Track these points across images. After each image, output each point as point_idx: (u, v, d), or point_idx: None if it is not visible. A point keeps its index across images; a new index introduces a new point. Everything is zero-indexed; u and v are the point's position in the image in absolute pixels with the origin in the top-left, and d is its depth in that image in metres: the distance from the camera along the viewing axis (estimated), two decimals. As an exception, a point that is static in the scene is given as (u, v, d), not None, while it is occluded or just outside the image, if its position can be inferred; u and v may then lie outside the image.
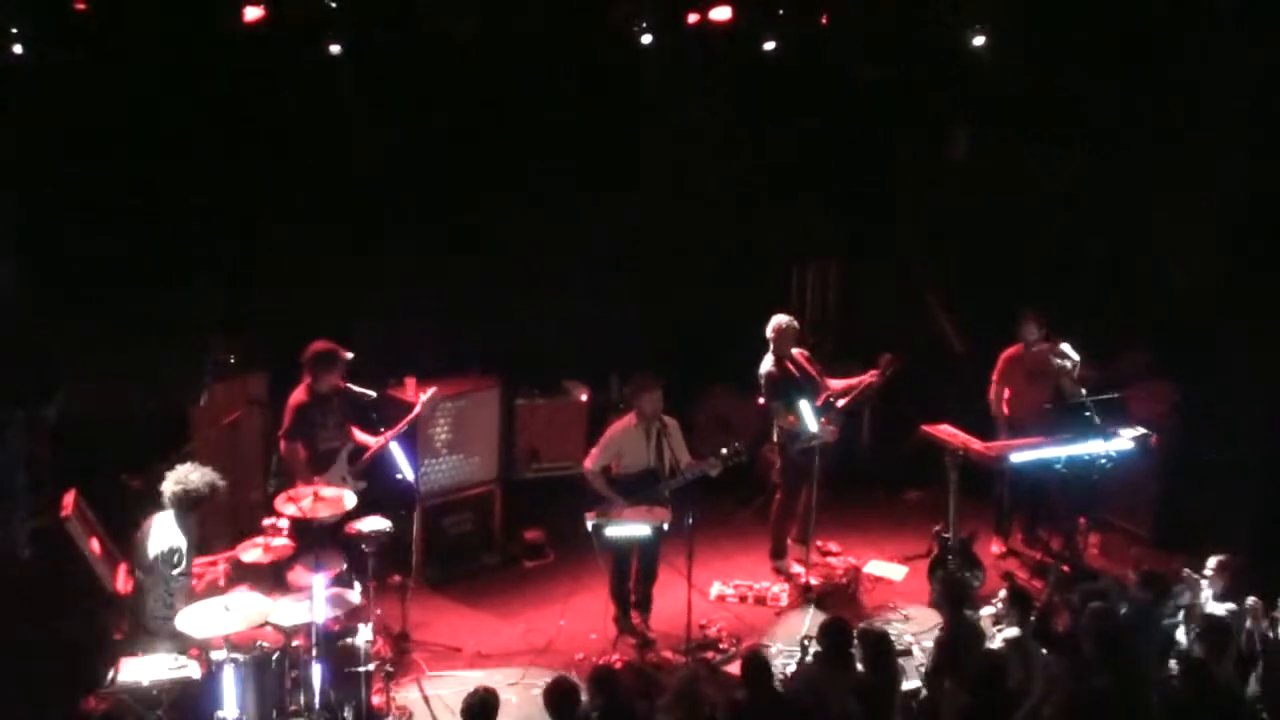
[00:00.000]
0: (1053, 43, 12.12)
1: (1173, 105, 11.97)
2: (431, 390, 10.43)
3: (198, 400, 10.83)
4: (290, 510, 9.07)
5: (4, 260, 10.27)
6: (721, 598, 10.98)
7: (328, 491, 9.26)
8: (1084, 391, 10.99)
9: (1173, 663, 8.62)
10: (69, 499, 9.09)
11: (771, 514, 11.50)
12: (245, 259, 11.27)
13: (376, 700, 8.93)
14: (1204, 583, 9.21)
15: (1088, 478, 11.00)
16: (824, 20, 11.83)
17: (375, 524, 9.55)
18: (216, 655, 8.20)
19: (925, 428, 11.23)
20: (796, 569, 11.22)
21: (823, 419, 10.85)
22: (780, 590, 11.00)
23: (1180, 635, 8.94)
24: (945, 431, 11.11)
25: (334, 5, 10.41)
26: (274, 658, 8.43)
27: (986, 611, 9.65)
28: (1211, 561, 9.26)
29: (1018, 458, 10.83)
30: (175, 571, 8.59)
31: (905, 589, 11.13)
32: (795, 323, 11.12)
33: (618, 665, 9.70)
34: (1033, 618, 8.75)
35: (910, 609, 10.67)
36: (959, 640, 8.51)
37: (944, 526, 10.83)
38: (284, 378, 10.11)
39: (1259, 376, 11.17)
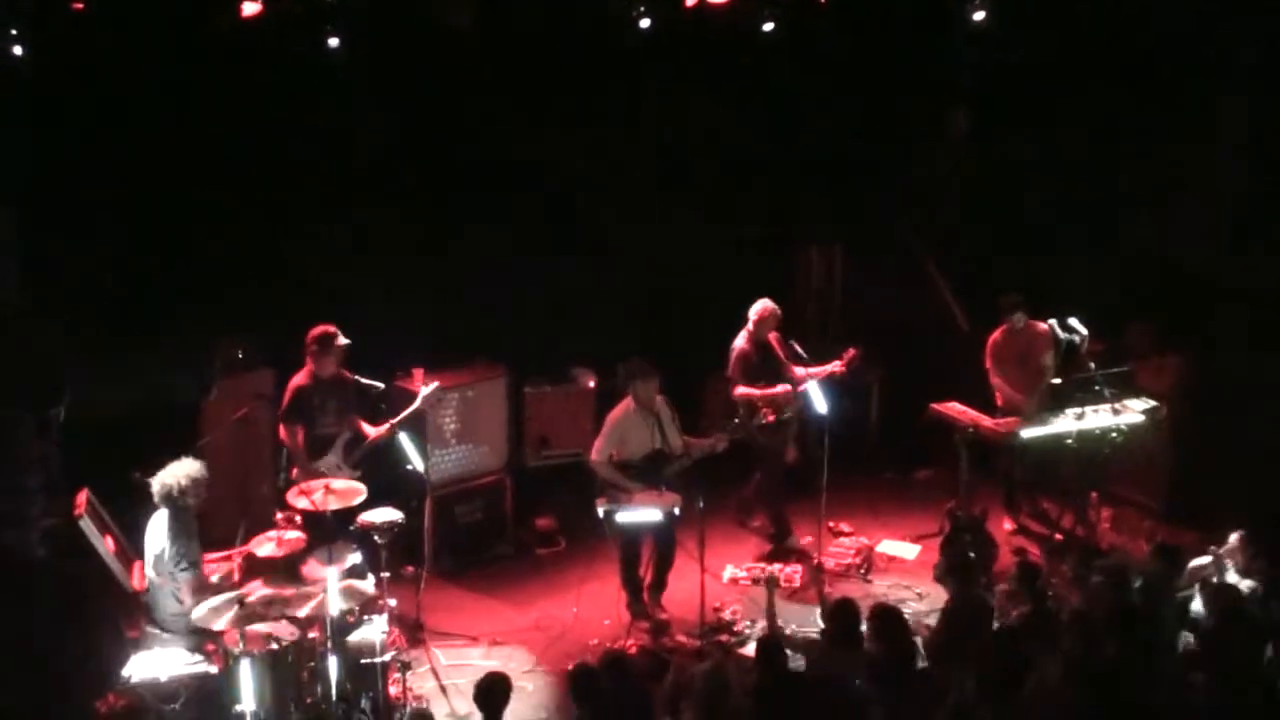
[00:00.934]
0: (1053, 18, 12.10)
1: (1174, 76, 11.94)
2: (434, 384, 10.41)
3: (206, 397, 10.86)
4: (302, 503, 9.10)
5: (8, 259, 10.29)
6: (734, 580, 10.99)
7: (339, 484, 9.29)
8: (1093, 365, 10.99)
9: (1189, 637, 8.59)
10: (82, 498, 9.11)
11: (754, 497, 11.60)
12: (252, 254, 11.28)
13: (393, 691, 8.95)
14: (1228, 562, 9.19)
15: (1099, 452, 11.01)
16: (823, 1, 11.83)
17: (387, 515, 9.56)
18: (232, 650, 8.22)
19: (934, 406, 11.22)
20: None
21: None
22: (793, 572, 11.00)
23: (1196, 606, 8.91)
24: (954, 409, 11.11)
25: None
26: (289, 651, 8.45)
27: (1001, 589, 9.67)
28: (1232, 538, 9.24)
29: (1028, 434, 10.82)
30: (175, 569, 8.61)
31: (918, 568, 11.13)
32: (778, 310, 11.13)
33: (632, 650, 9.73)
34: (1044, 593, 8.75)
35: (923, 587, 10.68)
36: (965, 612, 8.51)
37: (956, 504, 10.84)
38: (292, 373, 10.10)
39: (1266, 346, 11.15)
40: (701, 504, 9.83)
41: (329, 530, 9.04)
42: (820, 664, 8.05)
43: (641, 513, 9.88)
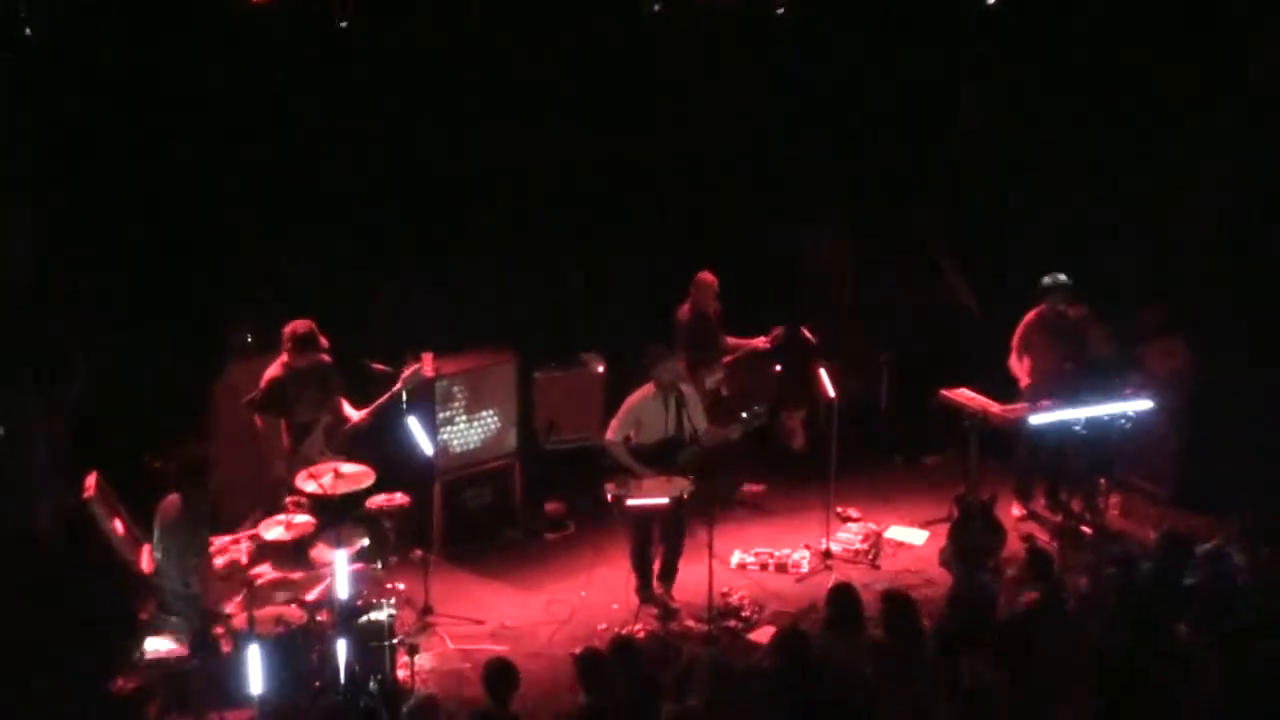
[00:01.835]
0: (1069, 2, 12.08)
1: (1187, 64, 11.91)
2: (413, 366, 10.34)
3: (217, 381, 10.88)
4: (311, 487, 9.12)
5: (20, 242, 10.30)
6: (742, 565, 11.00)
7: (348, 468, 9.31)
8: (1105, 349, 11.00)
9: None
10: (91, 481, 9.15)
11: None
12: (263, 240, 11.29)
13: (401, 674, 8.98)
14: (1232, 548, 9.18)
15: (1107, 438, 11.00)
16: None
17: (395, 499, 9.58)
18: (241, 633, 8.25)
19: (943, 392, 11.21)
20: None
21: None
22: (801, 557, 11.00)
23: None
24: (963, 395, 11.09)
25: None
26: (298, 635, 8.47)
27: (1009, 574, 9.67)
28: (1237, 520, 9.24)
29: (1037, 420, 10.81)
30: (185, 552, 8.63)
31: (926, 553, 11.13)
32: (715, 283, 11.51)
33: (640, 635, 9.74)
34: (1055, 579, 8.74)
35: (931, 573, 10.68)
36: (969, 598, 8.51)
37: (965, 490, 10.83)
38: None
39: (1275, 329, 11.14)
40: (739, 490, 9.84)
41: (337, 514, 9.07)
42: (823, 649, 8.05)
43: (650, 498, 9.88)
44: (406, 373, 10.21)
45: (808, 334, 11.44)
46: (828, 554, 11.02)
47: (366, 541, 9.33)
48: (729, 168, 12.93)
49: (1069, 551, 10.74)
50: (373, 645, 8.71)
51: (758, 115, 12.91)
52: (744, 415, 10.20)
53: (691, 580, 10.34)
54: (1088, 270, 11.40)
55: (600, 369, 12.16)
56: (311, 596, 8.72)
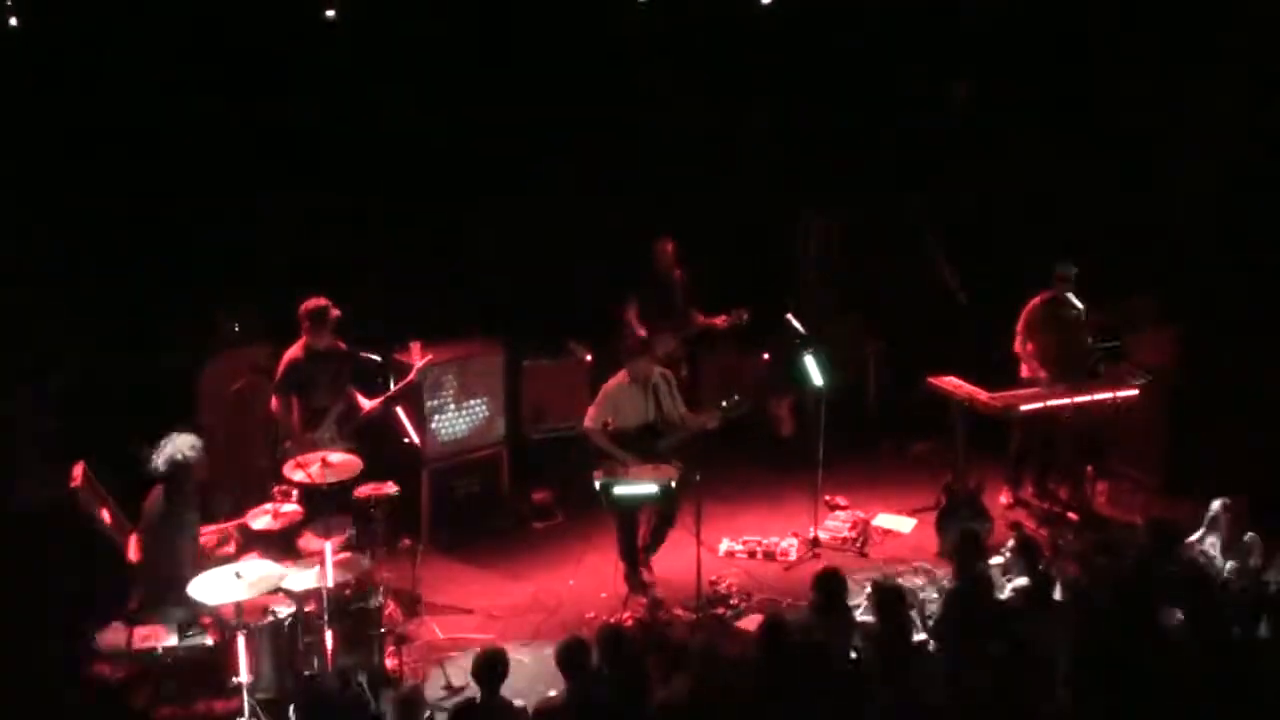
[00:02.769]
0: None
1: (1172, 46, 11.93)
2: (427, 356, 10.41)
3: (203, 369, 10.85)
4: (298, 476, 9.10)
5: (5, 230, 10.29)
6: (731, 553, 11.00)
7: (335, 457, 9.29)
8: (1090, 340, 11.01)
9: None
10: (78, 471, 9.11)
11: None
12: (249, 228, 11.27)
13: (389, 664, 8.97)
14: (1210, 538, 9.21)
15: (1094, 426, 11.02)
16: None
17: (384, 488, 9.57)
18: (229, 622, 8.24)
19: (931, 380, 11.23)
20: None
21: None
22: (789, 545, 11.01)
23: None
24: (951, 383, 11.11)
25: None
26: (286, 624, 8.46)
27: (995, 561, 9.68)
28: (1215, 505, 9.28)
29: (1025, 408, 10.83)
30: (172, 540, 8.62)
31: (914, 541, 11.14)
32: (671, 249, 11.75)
33: (628, 623, 9.75)
34: (1040, 567, 8.76)
35: (919, 561, 10.69)
36: (970, 591, 8.52)
37: (952, 478, 10.84)
38: (288, 346, 10.07)
39: (1263, 320, 11.16)
40: (698, 476, 9.84)
41: (325, 503, 9.06)
42: (808, 633, 8.07)
43: (638, 485, 9.88)
44: (420, 363, 10.24)
45: (795, 321, 11.43)
46: (815, 542, 11.03)
47: (354, 531, 9.31)
48: (719, 156, 12.92)
49: (1057, 539, 10.76)
50: (361, 635, 8.70)
51: (745, 104, 12.92)
52: (723, 404, 10.20)
53: (680, 568, 10.34)
54: (1075, 259, 11.41)
55: (588, 358, 12.15)
56: (299, 586, 8.70)
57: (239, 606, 8.19)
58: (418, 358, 10.64)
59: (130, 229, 10.85)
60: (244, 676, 8.05)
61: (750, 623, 9.75)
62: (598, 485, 9.91)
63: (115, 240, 10.79)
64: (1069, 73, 12.58)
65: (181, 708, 8.32)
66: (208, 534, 9.03)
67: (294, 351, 9.84)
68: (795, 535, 11.15)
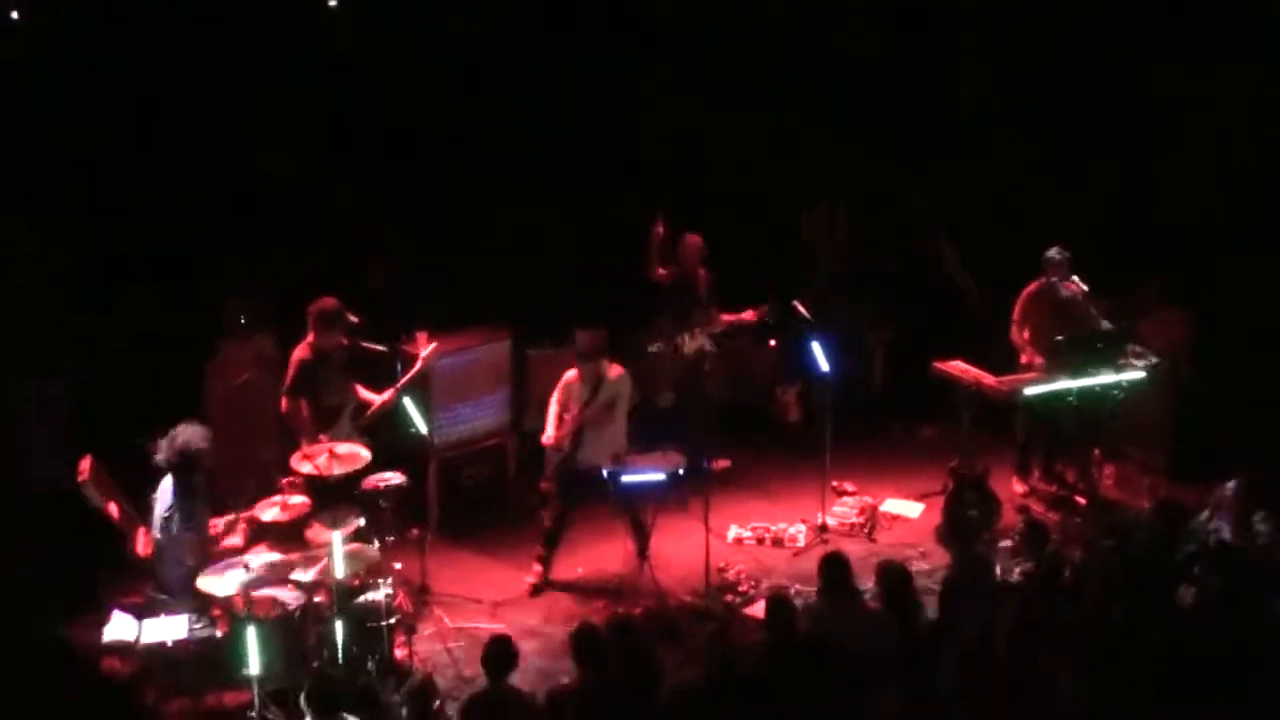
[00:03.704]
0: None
1: (1179, 33, 11.90)
2: (433, 345, 10.41)
3: (210, 360, 10.85)
4: (306, 468, 9.11)
5: (11, 223, 10.29)
6: (739, 540, 11.01)
7: (343, 448, 9.30)
8: (1106, 322, 10.99)
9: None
10: (85, 464, 9.12)
11: None
12: (256, 218, 11.27)
13: (399, 654, 8.98)
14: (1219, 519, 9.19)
15: (1101, 409, 11.01)
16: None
17: (391, 479, 9.57)
18: (238, 614, 8.25)
19: (937, 364, 11.21)
20: None
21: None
22: (797, 531, 11.01)
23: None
24: (957, 367, 11.10)
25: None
26: (296, 615, 8.48)
27: (1003, 544, 9.68)
28: (1229, 485, 9.26)
29: (1031, 391, 10.81)
30: (181, 532, 8.62)
31: (923, 526, 11.14)
32: (700, 244, 11.54)
33: (637, 611, 9.75)
34: (1048, 550, 8.76)
35: (926, 546, 10.70)
36: (967, 575, 8.53)
37: (959, 463, 10.84)
38: (294, 338, 10.08)
39: (1271, 302, 11.14)
40: (707, 463, 9.83)
41: (333, 494, 9.06)
42: (818, 619, 8.08)
43: (645, 473, 9.88)
44: (426, 352, 10.21)
45: (802, 308, 11.42)
46: (824, 528, 11.03)
47: (362, 521, 9.32)
48: (724, 143, 12.91)
49: (1065, 522, 10.76)
50: (370, 625, 8.72)
51: (749, 90, 12.89)
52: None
53: (688, 555, 10.34)
54: (1082, 242, 11.38)
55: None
56: (308, 577, 8.71)
57: (248, 598, 8.20)
58: (424, 348, 10.63)
59: (135, 219, 10.84)
60: (253, 669, 8.06)
61: (758, 609, 9.74)
62: (605, 473, 9.91)
63: (122, 231, 10.78)
64: (1073, 61, 12.54)
65: (191, 700, 8.34)
66: (215, 525, 9.03)
67: (301, 353, 9.76)
68: (803, 521, 11.15)
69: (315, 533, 9.16)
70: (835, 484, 11.55)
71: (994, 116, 12.94)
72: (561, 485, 10.19)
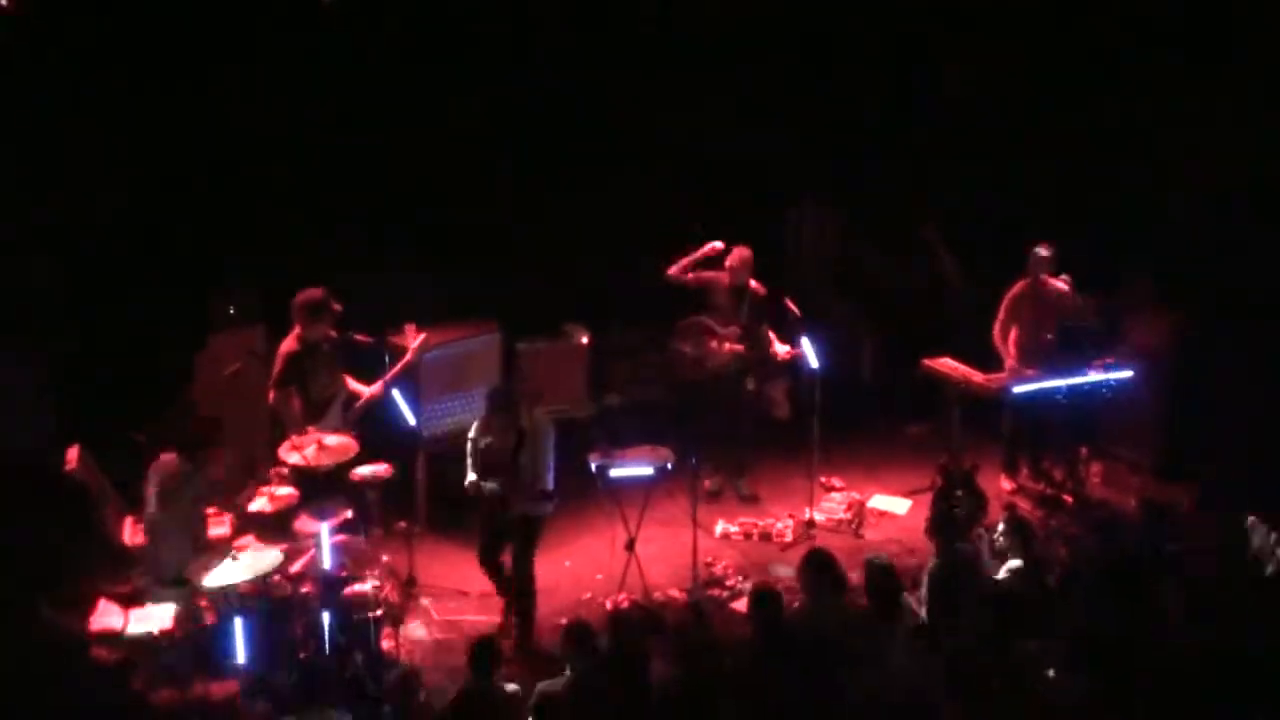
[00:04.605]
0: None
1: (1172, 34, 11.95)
2: (422, 336, 10.40)
3: (199, 352, 10.84)
4: (294, 459, 9.10)
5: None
6: (726, 535, 11.02)
7: (331, 439, 9.29)
8: (1095, 321, 11.03)
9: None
10: (73, 453, 9.13)
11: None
12: (245, 210, 11.27)
13: (385, 645, 8.99)
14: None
15: (1089, 407, 11.04)
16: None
17: (379, 470, 9.57)
18: (225, 604, 8.25)
19: (926, 361, 11.23)
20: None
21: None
22: (784, 526, 11.03)
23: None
24: (946, 365, 11.12)
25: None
26: (283, 606, 8.47)
27: (987, 543, 9.69)
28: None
29: (1019, 389, 10.84)
30: (184, 520, 8.63)
31: (910, 522, 11.16)
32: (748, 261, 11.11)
33: (625, 604, 9.77)
34: (1033, 547, 8.78)
35: (913, 542, 10.71)
36: (951, 571, 8.56)
37: (948, 459, 10.86)
38: (283, 330, 10.08)
39: (1259, 305, 11.17)
40: (695, 459, 9.84)
41: (321, 486, 9.06)
42: (802, 615, 8.11)
43: (634, 468, 9.89)
44: (415, 343, 10.22)
45: (791, 305, 11.42)
46: (811, 523, 11.05)
47: (350, 513, 9.32)
48: (717, 140, 12.92)
49: (1051, 520, 10.78)
50: (357, 617, 8.72)
51: (740, 90, 12.92)
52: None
53: (676, 550, 10.35)
54: (1072, 241, 11.41)
55: (584, 340, 12.15)
56: (296, 568, 8.72)
57: (236, 589, 8.21)
58: (412, 339, 10.63)
59: (126, 208, 10.84)
60: (240, 659, 8.05)
61: (745, 604, 9.75)
62: (594, 467, 9.92)
63: (113, 220, 10.78)
64: (1070, 60, 12.56)
65: (179, 690, 8.34)
66: (206, 517, 9.04)
67: (289, 345, 9.71)
68: (791, 517, 11.17)
69: (303, 524, 9.16)
70: (823, 480, 11.57)
71: (981, 111, 12.95)
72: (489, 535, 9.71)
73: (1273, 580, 8.65)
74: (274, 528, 9.09)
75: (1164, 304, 11.82)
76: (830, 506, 11.32)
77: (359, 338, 9.98)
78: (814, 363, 10.94)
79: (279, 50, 11.13)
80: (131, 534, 8.96)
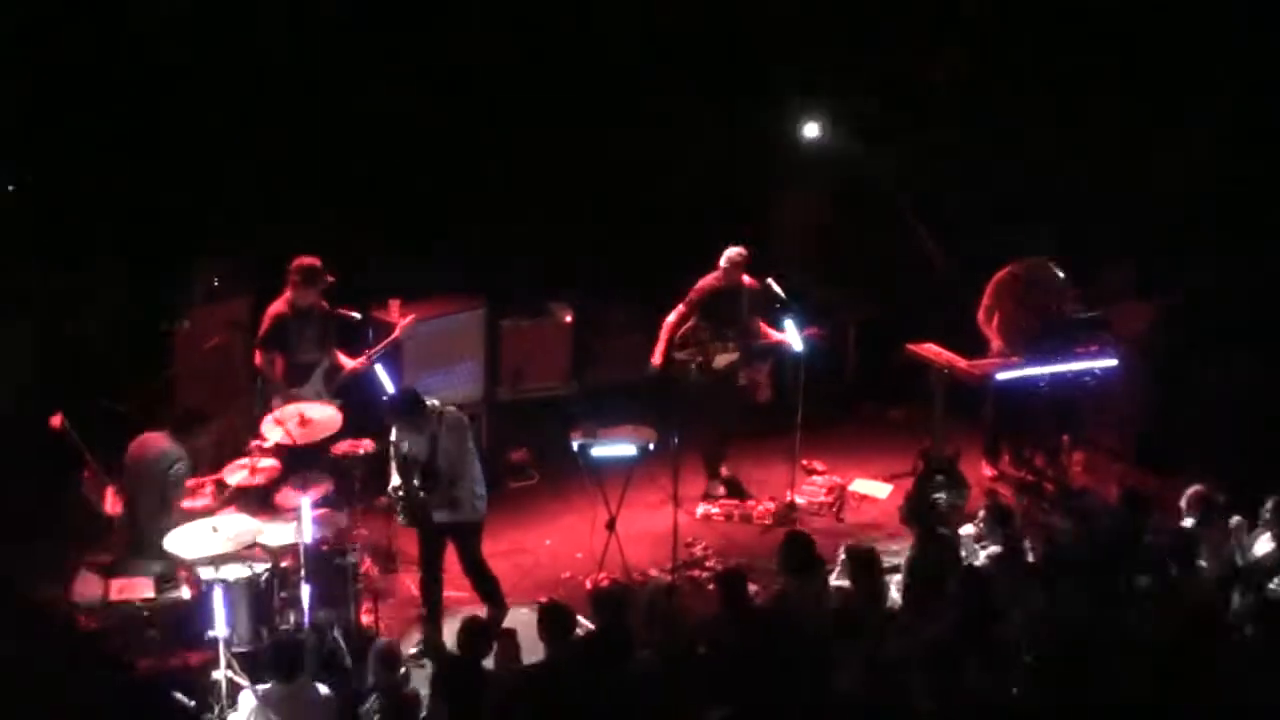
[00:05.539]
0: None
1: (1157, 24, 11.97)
2: (410, 317, 10.37)
3: (180, 323, 10.81)
4: (277, 434, 9.08)
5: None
6: (707, 516, 11.03)
7: (314, 413, 9.25)
8: (1081, 310, 11.04)
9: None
10: (56, 421, 9.09)
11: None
12: (230, 183, 11.23)
13: (365, 620, 8.99)
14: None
15: (1071, 396, 11.06)
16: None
17: (362, 445, 9.56)
18: (206, 575, 8.24)
19: (910, 346, 11.24)
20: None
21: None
22: (765, 508, 11.05)
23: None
24: (930, 350, 11.13)
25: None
26: (263, 578, 8.47)
27: (968, 530, 9.72)
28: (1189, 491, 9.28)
29: (1002, 376, 10.86)
30: (168, 491, 8.62)
31: (891, 507, 11.17)
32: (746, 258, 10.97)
33: (604, 583, 9.77)
34: (1012, 534, 8.81)
35: (893, 527, 10.72)
36: (929, 557, 8.58)
37: (930, 445, 10.88)
38: (268, 303, 10.05)
39: (1238, 291, 11.21)
40: (677, 439, 9.85)
41: (303, 459, 9.04)
42: (778, 597, 8.13)
43: (616, 447, 9.89)
44: (404, 321, 10.20)
45: (776, 286, 11.41)
46: (792, 506, 11.07)
47: (332, 487, 9.31)
48: (698, 127, 12.89)
49: (1031, 507, 10.81)
50: (337, 591, 8.71)
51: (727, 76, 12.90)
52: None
53: (656, 530, 10.36)
54: (1056, 228, 11.42)
55: (568, 319, 12.15)
56: (276, 541, 8.71)
57: (216, 561, 8.20)
58: (397, 315, 10.61)
59: (109, 180, 10.79)
60: (220, 630, 8.05)
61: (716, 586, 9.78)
62: (576, 446, 9.92)
63: (95, 191, 10.74)
64: (1055, 47, 12.57)
65: (158, 659, 8.33)
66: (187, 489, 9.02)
67: (278, 306, 9.77)
68: (772, 499, 11.18)
69: (284, 497, 9.14)
70: (805, 463, 11.58)
71: (970, 94, 12.95)
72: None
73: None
74: (255, 500, 9.07)
75: (1144, 294, 11.85)
76: (811, 490, 11.34)
77: (346, 312, 9.98)
78: (798, 346, 10.94)
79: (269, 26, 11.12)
80: (113, 503, 8.93)
